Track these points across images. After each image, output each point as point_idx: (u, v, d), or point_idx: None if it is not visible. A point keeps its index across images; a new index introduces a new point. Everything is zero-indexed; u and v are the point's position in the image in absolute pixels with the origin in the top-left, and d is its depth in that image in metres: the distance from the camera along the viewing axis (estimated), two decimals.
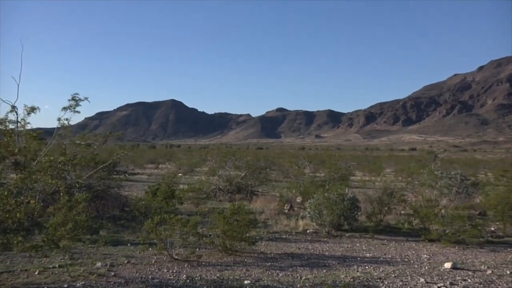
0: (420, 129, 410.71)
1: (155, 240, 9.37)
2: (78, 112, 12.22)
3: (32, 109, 11.79)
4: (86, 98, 12.27)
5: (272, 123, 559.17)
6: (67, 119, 12.30)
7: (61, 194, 10.62)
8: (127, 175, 27.95)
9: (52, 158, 11.38)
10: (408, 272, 8.70)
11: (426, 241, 11.87)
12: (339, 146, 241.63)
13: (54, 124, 12.38)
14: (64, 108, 12.17)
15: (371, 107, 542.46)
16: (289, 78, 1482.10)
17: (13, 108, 11.58)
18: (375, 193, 15.67)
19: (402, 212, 15.58)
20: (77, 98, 12.15)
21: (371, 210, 14.09)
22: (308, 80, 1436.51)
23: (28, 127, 11.98)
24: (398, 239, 12.25)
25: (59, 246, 7.60)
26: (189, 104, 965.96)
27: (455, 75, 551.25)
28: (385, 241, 11.97)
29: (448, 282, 8.07)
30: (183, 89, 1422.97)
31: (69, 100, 12.13)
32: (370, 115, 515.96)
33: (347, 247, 11.12)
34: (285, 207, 16.68)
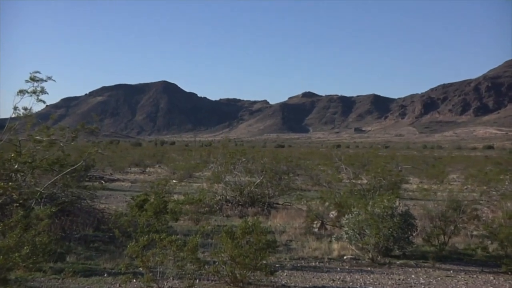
0: (500, 120, 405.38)
1: (141, 269, 9.40)
2: (43, 101, 12.27)
3: None
4: (49, 78, 12.30)
5: (297, 112, 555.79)
6: (26, 109, 12.33)
7: (14, 206, 10.69)
8: (103, 182, 28.41)
9: None
10: None
11: (509, 273, 11.77)
12: (388, 143, 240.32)
13: (6, 114, 12.45)
14: (21, 92, 12.18)
15: (431, 90, 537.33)
16: (320, 53, 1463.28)
17: None
18: (436, 206, 15.52)
19: (474, 232, 15.50)
20: (37, 78, 12.13)
21: (431, 230, 13.92)
22: (345, 56, 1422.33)
23: None
24: (469, 269, 12.20)
25: (7, 281, 7.59)
26: (186, 88, 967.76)
27: None
28: (451, 272, 11.93)
29: None
30: (179, 68, 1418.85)
31: (27, 81, 12.14)
32: (430, 102, 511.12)
33: (399, 279, 11.11)
34: (315, 225, 16.76)
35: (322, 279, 10.88)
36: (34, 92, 12.16)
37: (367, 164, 45.26)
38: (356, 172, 20.50)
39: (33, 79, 12.14)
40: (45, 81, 12.24)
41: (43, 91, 12.26)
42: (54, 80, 12.45)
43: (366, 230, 12.56)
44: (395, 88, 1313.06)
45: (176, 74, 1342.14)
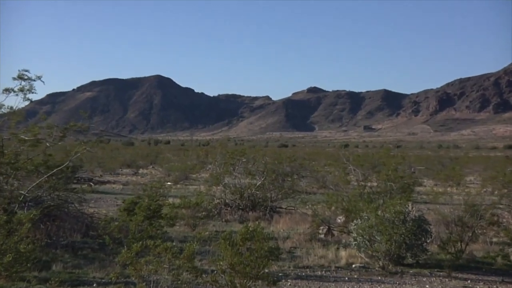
0: None
1: (134, 278, 9.40)
2: (30, 100, 12.30)
3: None
4: (39, 78, 12.33)
5: (302, 109, 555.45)
6: (11, 108, 12.36)
7: None
8: (92, 184, 29.02)
9: None
10: None
11: None
12: (400, 142, 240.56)
13: None
14: (6, 90, 12.23)
15: (447, 85, 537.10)
16: (326, 45, 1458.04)
17: None
18: (452, 211, 15.56)
19: (494, 239, 15.60)
20: (25, 77, 12.16)
21: (447, 236, 13.98)
22: (354, 48, 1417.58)
23: None
24: (489, 279, 12.20)
25: None
26: (182, 83, 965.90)
27: None
28: (469, 282, 11.94)
29: None
30: (174, 61, 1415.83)
31: (14, 79, 12.15)
32: (446, 98, 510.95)
33: None
34: (321, 231, 16.77)
35: None
36: (21, 90, 12.19)
37: (377, 165, 45.41)
38: (366, 173, 20.33)
39: (21, 77, 12.19)
40: (34, 80, 12.28)
41: (31, 90, 12.30)
42: (42, 82, 12.52)
43: (377, 237, 12.58)
44: (408, 83, 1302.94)
45: (171, 68, 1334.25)
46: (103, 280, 10.83)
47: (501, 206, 18.78)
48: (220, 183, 21.67)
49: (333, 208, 17.92)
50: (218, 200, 20.73)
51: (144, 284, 9.08)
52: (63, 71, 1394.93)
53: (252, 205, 20.69)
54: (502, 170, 36.37)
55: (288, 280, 11.43)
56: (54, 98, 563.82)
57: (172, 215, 14.55)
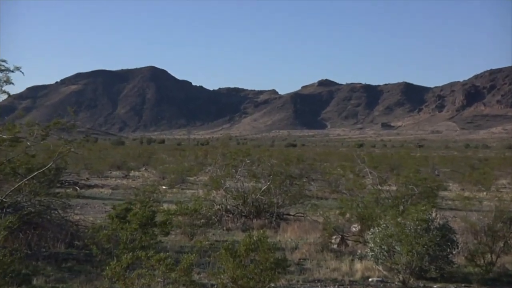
0: None
1: None
2: (7, 93, 12.33)
3: None
4: (17, 69, 12.37)
5: (312, 104, 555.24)
6: None
7: None
8: (78, 188, 28.91)
9: None
10: None
11: None
12: (422, 141, 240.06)
13: None
14: None
15: (476, 77, 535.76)
16: (339, 33, 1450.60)
17: None
18: (481, 218, 15.50)
19: None
20: (2, 68, 12.19)
21: (476, 247, 13.90)
22: (370, 36, 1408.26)
23: None
24: None
25: None
26: (179, 75, 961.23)
27: None
28: None
29: None
30: (169, 51, 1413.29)
31: None
32: (474, 91, 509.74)
33: None
34: (333, 241, 16.70)
35: None
36: None
37: (396, 167, 45.38)
38: (384, 176, 20.43)
39: None
40: (12, 71, 12.31)
41: (8, 81, 12.30)
42: (22, 72, 12.55)
43: (396, 247, 12.51)
44: (431, 75, 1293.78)
45: (166, 58, 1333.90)
46: None
47: None
48: (221, 187, 21.61)
49: (347, 215, 17.85)
50: (218, 206, 20.66)
51: None
52: (45, 62, 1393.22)
53: (256, 212, 20.61)
54: None
55: None
56: (35, 92, 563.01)
57: (167, 222, 14.21)
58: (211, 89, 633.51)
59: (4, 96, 13.05)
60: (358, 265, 13.67)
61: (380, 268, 13.16)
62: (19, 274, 10.37)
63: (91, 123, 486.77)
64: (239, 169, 22.82)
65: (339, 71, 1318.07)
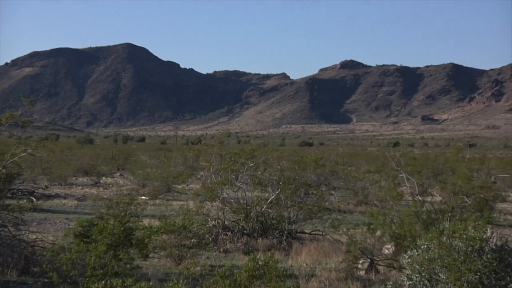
0: None
1: None
2: None
3: None
4: None
5: (333, 92, 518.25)
6: None
7: None
8: (34, 199, 27.54)
9: None
10: None
11: None
12: (474, 139, 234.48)
13: None
14: None
15: None
16: (366, 2, 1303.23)
17: None
18: None
19: None
20: None
21: None
22: (406, 6, 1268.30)
23: None
24: None
25: None
26: (163, 55, 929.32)
27: None
28: None
29: None
30: (151, 26, 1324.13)
31: None
32: None
33: None
34: (360, 265, 15.95)
35: None
36: None
37: (442, 172, 43.49)
38: (425, 184, 20.15)
39: None
40: None
41: None
42: None
43: (440, 274, 11.24)
44: (485, 55, 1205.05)
45: (146, 34, 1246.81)
46: None
47: None
48: (217, 198, 20.28)
49: (378, 233, 16.59)
50: (213, 222, 19.42)
51: None
52: None
53: (262, 229, 19.68)
54: None
55: None
56: None
57: (147, 242, 13.42)
58: (205, 72, 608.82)
59: None
60: None
61: None
62: None
63: (51, 116, 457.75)
64: (240, 174, 21.67)
65: (367, 50, 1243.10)
